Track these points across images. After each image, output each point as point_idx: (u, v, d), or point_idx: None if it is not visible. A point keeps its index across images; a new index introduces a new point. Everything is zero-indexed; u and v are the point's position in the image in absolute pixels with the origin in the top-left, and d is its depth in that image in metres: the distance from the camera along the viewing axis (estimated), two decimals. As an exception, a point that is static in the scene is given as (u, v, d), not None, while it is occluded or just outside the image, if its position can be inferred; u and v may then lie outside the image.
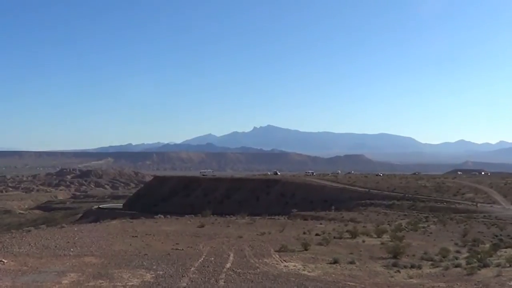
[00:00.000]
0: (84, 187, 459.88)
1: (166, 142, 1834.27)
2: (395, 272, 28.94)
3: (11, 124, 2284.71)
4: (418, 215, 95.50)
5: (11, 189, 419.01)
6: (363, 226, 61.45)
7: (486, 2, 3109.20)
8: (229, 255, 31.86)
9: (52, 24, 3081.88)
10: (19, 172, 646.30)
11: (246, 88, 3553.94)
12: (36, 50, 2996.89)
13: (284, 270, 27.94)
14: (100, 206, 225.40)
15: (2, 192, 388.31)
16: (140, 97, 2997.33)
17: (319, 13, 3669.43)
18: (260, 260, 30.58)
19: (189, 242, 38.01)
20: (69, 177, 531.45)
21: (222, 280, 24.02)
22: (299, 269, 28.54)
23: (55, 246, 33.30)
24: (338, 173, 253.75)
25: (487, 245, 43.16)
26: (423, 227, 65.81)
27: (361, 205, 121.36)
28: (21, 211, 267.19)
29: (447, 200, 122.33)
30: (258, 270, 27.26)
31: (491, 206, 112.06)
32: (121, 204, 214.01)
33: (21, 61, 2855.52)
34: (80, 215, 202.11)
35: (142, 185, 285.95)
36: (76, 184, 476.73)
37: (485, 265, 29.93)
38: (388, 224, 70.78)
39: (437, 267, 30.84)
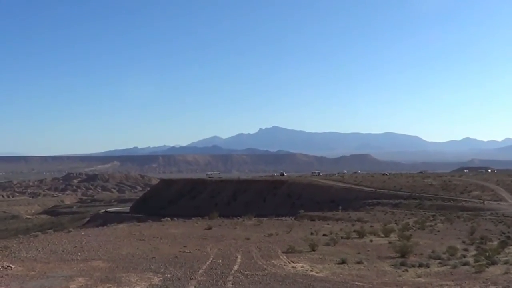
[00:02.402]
0: (91, 191, 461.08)
1: (172, 145, 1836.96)
2: (403, 271, 28.87)
3: (17, 129, 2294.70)
4: (425, 213, 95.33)
5: (17, 194, 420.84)
6: (371, 226, 61.33)
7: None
8: (236, 257, 31.83)
9: (55, 27, 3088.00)
10: (25, 177, 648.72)
11: (251, 89, 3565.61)
12: (40, 54, 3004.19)
13: (292, 271, 27.90)
14: (107, 210, 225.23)
15: (9, 197, 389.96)
16: (146, 100, 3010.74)
17: (324, 12, 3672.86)
18: (268, 262, 30.55)
19: (196, 245, 37.99)
20: (75, 181, 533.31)
21: (230, 282, 23.99)
22: (306, 270, 28.49)
23: (63, 251, 33.33)
24: (344, 173, 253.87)
25: (495, 243, 43.06)
26: (431, 226, 65.66)
27: (368, 204, 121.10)
28: (28, 216, 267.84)
29: (454, 198, 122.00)
30: (266, 271, 27.23)
31: (498, 203, 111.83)
32: (128, 208, 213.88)
33: (25, 65, 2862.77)
34: (87, 219, 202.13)
35: (149, 188, 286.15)
36: (83, 188, 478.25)
37: (493, 263, 29.90)
38: (395, 223, 70.62)
39: (445, 265, 30.76)
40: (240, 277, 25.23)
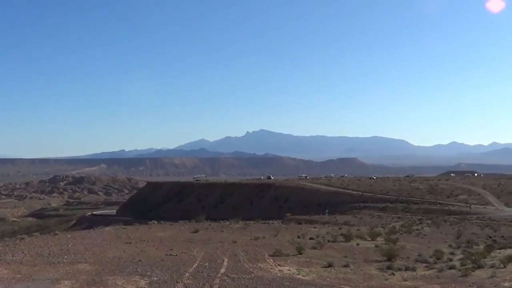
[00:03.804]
0: (78, 193, 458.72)
1: (159, 147, 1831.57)
2: (390, 274, 28.95)
3: (4, 132, 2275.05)
4: (411, 217, 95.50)
5: (4, 196, 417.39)
6: (357, 229, 61.47)
7: (479, 7, 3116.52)
8: (223, 260, 31.80)
9: (47, 30, 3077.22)
10: (12, 180, 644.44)
11: (238, 92, 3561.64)
12: (28, 58, 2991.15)
13: (279, 275, 27.90)
14: (93, 212, 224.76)
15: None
16: (133, 103, 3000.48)
17: (312, 18, 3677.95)
18: (255, 265, 30.54)
19: (183, 248, 37.95)
20: (62, 184, 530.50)
21: (217, 285, 23.98)
22: (293, 273, 28.50)
23: (49, 254, 33.18)
24: (331, 177, 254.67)
25: (481, 246, 43.24)
26: (417, 229, 65.90)
27: (355, 208, 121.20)
28: (15, 219, 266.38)
29: (441, 202, 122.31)
30: (253, 275, 27.22)
31: (485, 207, 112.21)
32: (115, 211, 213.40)
33: (12, 68, 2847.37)
34: (73, 222, 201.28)
35: (136, 191, 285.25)
36: (70, 191, 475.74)
37: (480, 266, 30.01)
38: (382, 227, 70.84)
39: (431, 269, 30.86)
40: (227, 281, 25.20)
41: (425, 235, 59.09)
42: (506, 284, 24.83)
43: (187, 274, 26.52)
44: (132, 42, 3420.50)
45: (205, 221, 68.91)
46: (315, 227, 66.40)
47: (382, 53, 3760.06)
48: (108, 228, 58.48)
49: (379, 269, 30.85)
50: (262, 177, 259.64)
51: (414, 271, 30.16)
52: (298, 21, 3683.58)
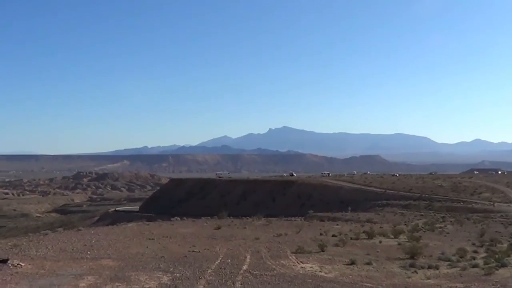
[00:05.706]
0: (101, 190, 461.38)
1: (181, 144, 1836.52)
2: (412, 272, 28.81)
3: (28, 128, 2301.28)
4: (434, 215, 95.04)
5: (28, 192, 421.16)
6: (380, 227, 61.19)
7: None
8: (245, 257, 31.81)
9: (64, 27, 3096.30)
10: (36, 176, 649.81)
11: (261, 89, 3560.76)
12: (52, 55, 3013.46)
13: (301, 272, 27.87)
14: (116, 209, 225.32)
15: (19, 195, 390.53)
16: (156, 100, 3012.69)
17: (333, 14, 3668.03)
18: (277, 262, 30.53)
19: (205, 244, 38.01)
20: (85, 180, 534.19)
21: (239, 282, 23.99)
22: (315, 271, 28.45)
23: (72, 249, 33.40)
24: (354, 174, 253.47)
25: (505, 245, 42.88)
26: (440, 227, 65.47)
27: (378, 205, 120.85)
28: (38, 215, 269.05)
29: (464, 200, 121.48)
30: (275, 271, 27.20)
31: (508, 205, 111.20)
32: (138, 207, 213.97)
33: (37, 66, 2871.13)
34: (96, 218, 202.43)
35: (158, 188, 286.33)
36: (93, 187, 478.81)
37: (503, 265, 29.77)
38: (405, 224, 70.51)
39: (454, 267, 30.67)
40: (249, 277, 25.22)
41: (448, 233, 58.72)
42: (531, 283, 24.65)
43: (209, 271, 26.57)
44: (155, 38, 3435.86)
45: (228, 217, 68.96)
46: (337, 224, 66.20)
47: (406, 48, 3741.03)
48: (131, 224, 58.67)
49: (401, 267, 30.71)
50: (284, 174, 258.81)
51: (437, 269, 29.99)
52: (319, 17, 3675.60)
